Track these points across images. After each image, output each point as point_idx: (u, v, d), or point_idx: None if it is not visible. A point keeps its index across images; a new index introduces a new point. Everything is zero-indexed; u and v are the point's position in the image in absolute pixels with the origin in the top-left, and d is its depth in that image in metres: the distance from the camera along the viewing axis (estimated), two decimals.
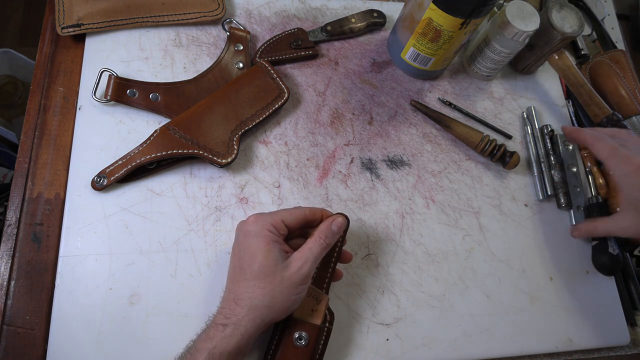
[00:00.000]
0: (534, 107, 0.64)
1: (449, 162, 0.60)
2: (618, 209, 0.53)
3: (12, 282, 0.46)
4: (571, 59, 0.61)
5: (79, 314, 0.45)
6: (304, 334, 0.44)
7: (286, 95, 0.56)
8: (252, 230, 0.42)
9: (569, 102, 0.67)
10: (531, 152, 0.61)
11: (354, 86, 0.62)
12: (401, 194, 0.57)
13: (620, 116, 0.60)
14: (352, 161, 0.57)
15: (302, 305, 0.45)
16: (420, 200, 0.57)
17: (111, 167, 0.50)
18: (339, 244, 0.47)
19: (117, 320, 0.46)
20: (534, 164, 0.61)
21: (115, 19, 0.57)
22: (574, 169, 0.60)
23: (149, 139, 0.50)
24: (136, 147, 0.50)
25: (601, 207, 0.59)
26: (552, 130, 0.63)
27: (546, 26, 0.59)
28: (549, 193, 0.59)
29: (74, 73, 0.55)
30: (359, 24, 0.64)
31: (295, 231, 0.45)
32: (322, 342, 0.45)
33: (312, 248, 0.42)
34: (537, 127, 0.63)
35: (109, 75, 0.53)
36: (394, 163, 0.58)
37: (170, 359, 0.40)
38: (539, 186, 0.60)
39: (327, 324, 0.45)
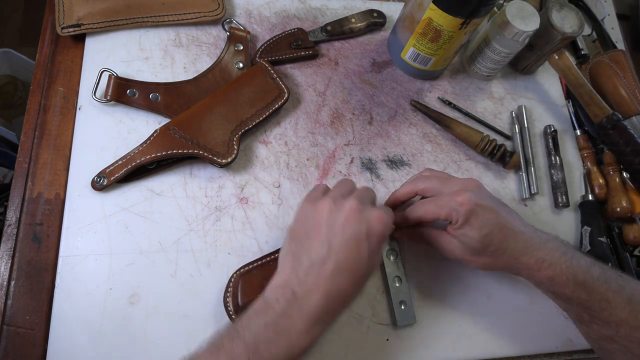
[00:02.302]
0: (524, 107, 0.64)
1: (449, 162, 0.60)
2: (449, 233, 0.46)
3: (12, 282, 0.46)
4: (571, 59, 0.61)
5: (79, 314, 0.45)
6: None
7: (286, 95, 0.56)
8: (380, 231, 0.40)
9: (569, 102, 0.67)
10: (518, 151, 0.61)
11: (354, 86, 0.62)
12: None
13: (620, 116, 0.60)
14: (352, 161, 0.57)
15: None
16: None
17: (111, 167, 0.50)
18: None
19: (117, 320, 0.46)
20: (521, 163, 0.60)
21: (115, 19, 0.57)
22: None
23: (149, 139, 0.50)
24: (136, 147, 0.50)
25: (594, 207, 0.59)
26: (555, 131, 0.63)
27: (546, 26, 0.59)
28: (533, 192, 0.59)
29: (74, 73, 0.55)
30: (359, 24, 0.64)
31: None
32: None
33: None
34: (526, 126, 0.63)
35: (109, 75, 0.53)
36: (394, 163, 0.58)
37: (170, 359, 0.40)
38: (524, 185, 0.60)
39: None
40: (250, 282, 0.47)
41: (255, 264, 0.49)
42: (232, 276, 0.48)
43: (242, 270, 0.48)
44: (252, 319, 0.37)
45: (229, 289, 0.47)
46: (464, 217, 0.43)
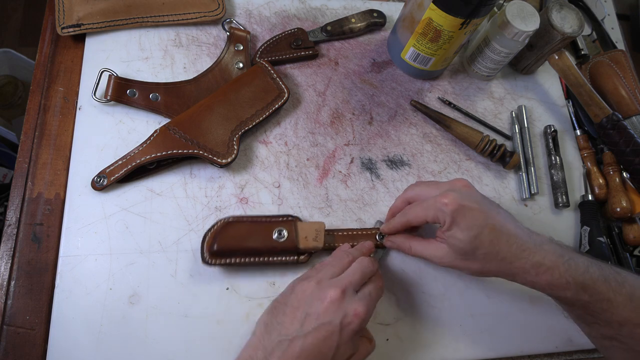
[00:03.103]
0: (524, 107, 0.64)
1: (449, 162, 0.60)
2: (438, 238, 0.46)
3: (12, 282, 0.46)
4: (571, 59, 0.61)
5: (79, 314, 0.45)
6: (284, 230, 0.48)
7: (286, 95, 0.56)
8: (354, 327, 0.39)
9: (569, 102, 0.67)
10: (518, 151, 0.61)
11: (354, 86, 0.62)
12: None
13: (620, 116, 0.60)
14: (352, 161, 0.57)
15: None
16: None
17: (111, 167, 0.50)
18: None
19: (117, 320, 0.46)
20: (521, 163, 0.60)
21: (115, 19, 0.57)
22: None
23: (149, 139, 0.50)
24: (136, 147, 0.50)
25: (594, 207, 0.59)
26: (555, 131, 0.63)
27: (546, 26, 0.59)
28: (533, 192, 0.59)
29: (74, 73, 0.55)
30: (359, 24, 0.64)
31: None
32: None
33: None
34: (526, 126, 0.63)
35: (109, 75, 0.53)
36: (394, 163, 0.58)
37: (170, 359, 0.40)
38: (524, 185, 0.60)
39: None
40: (232, 231, 0.47)
41: (246, 219, 0.49)
42: (220, 220, 0.48)
43: (230, 218, 0.48)
44: None
45: (211, 229, 0.47)
46: (450, 217, 0.42)
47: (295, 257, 0.49)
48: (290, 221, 0.49)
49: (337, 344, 0.38)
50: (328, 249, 0.50)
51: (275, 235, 0.48)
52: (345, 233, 0.52)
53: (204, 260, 0.46)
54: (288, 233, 0.48)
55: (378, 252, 0.52)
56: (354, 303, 0.40)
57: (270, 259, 0.48)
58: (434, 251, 0.46)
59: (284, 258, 0.48)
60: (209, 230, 0.48)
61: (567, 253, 0.43)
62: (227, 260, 0.47)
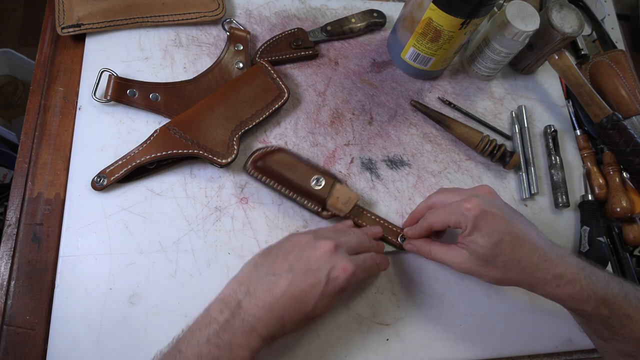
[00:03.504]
0: (524, 107, 0.64)
1: (449, 162, 0.60)
2: (459, 243, 0.46)
3: (12, 282, 0.46)
4: (571, 59, 0.61)
5: (79, 314, 0.45)
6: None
7: (286, 95, 0.56)
8: (340, 281, 0.41)
9: (569, 102, 0.67)
10: (518, 151, 0.61)
11: (354, 86, 0.62)
12: (401, 194, 0.57)
13: (620, 116, 0.60)
14: (352, 161, 0.57)
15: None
16: (421, 200, 0.57)
17: (111, 167, 0.50)
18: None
19: (117, 320, 0.46)
20: (521, 163, 0.60)
21: (115, 19, 0.57)
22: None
23: (149, 139, 0.50)
24: (136, 147, 0.50)
25: (594, 207, 0.59)
26: (555, 131, 0.63)
27: (546, 26, 0.59)
28: (533, 192, 0.59)
29: (74, 73, 0.55)
30: (359, 24, 0.64)
31: None
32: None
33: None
34: (526, 126, 0.63)
35: (109, 75, 0.53)
36: (394, 163, 0.58)
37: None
38: (524, 185, 0.60)
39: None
40: (280, 158, 0.51)
41: (296, 154, 0.53)
42: (274, 145, 0.54)
43: (283, 147, 0.54)
44: (195, 334, 0.38)
45: (264, 148, 0.52)
46: (472, 222, 0.42)
47: (320, 209, 0.51)
48: (331, 176, 0.52)
49: (321, 294, 0.40)
50: (351, 218, 0.52)
51: (313, 182, 0.51)
52: (372, 216, 0.53)
53: (245, 168, 0.52)
54: (324, 185, 0.51)
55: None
56: (344, 260, 0.42)
57: (298, 198, 0.51)
58: (454, 257, 0.46)
59: (310, 204, 0.51)
60: (261, 148, 0.52)
61: (588, 267, 0.43)
62: (263, 178, 0.51)
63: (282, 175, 0.51)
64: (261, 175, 0.51)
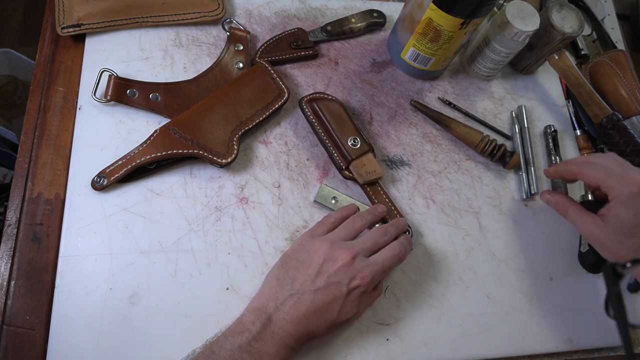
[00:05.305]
0: (524, 107, 0.64)
1: (449, 162, 0.60)
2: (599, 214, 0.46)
3: (12, 282, 0.46)
4: (571, 59, 0.61)
5: (79, 314, 0.45)
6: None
7: (286, 95, 0.56)
8: (360, 291, 0.44)
9: (569, 102, 0.67)
10: (518, 151, 0.61)
11: (354, 86, 0.62)
12: (401, 194, 0.57)
13: (620, 116, 0.60)
14: None
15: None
16: (420, 200, 0.57)
17: (111, 167, 0.50)
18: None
19: (117, 321, 0.46)
20: (521, 163, 0.60)
21: (115, 19, 0.57)
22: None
23: (149, 139, 0.50)
24: (136, 147, 0.50)
25: (592, 206, 0.59)
26: (555, 131, 0.63)
27: (546, 26, 0.59)
28: (533, 192, 0.59)
29: (74, 73, 0.55)
30: (359, 24, 0.64)
31: None
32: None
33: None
34: (526, 126, 0.63)
35: (109, 75, 0.53)
36: (394, 163, 0.58)
37: (170, 359, 0.40)
38: (524, 185, 0.59)
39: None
40: (331, 107, 0.55)
41: (348, 113, 0.56)
42: (330, 94, 0.57)
43: (339, 99, 0.58)
44: (228, 339, 0.42)
45: (322, 93, 0.57)
46: (626, 197, 0.43)
47: (344, 166, 0.54)
48: (368, 145, 0.54)
49: (343, 302, 0.43)
50: (364, 188, 0.55)
51: (350, 140, 0.54)
52: (384, 195, 0.55)
53: (300, 102, 0.56)
54: (358, 148, 0.54)
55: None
56: (363, 267, 0.44)
57: (331, 147, 0.54)
58: (588, 223, 0.47)
59: (338, 157, 0.54)
60: (321, 92, 0.57)
61: None
62: (311, 117, 0.55)
63: (328, 122, 0.54)
64: (310, 113, 0.55)
